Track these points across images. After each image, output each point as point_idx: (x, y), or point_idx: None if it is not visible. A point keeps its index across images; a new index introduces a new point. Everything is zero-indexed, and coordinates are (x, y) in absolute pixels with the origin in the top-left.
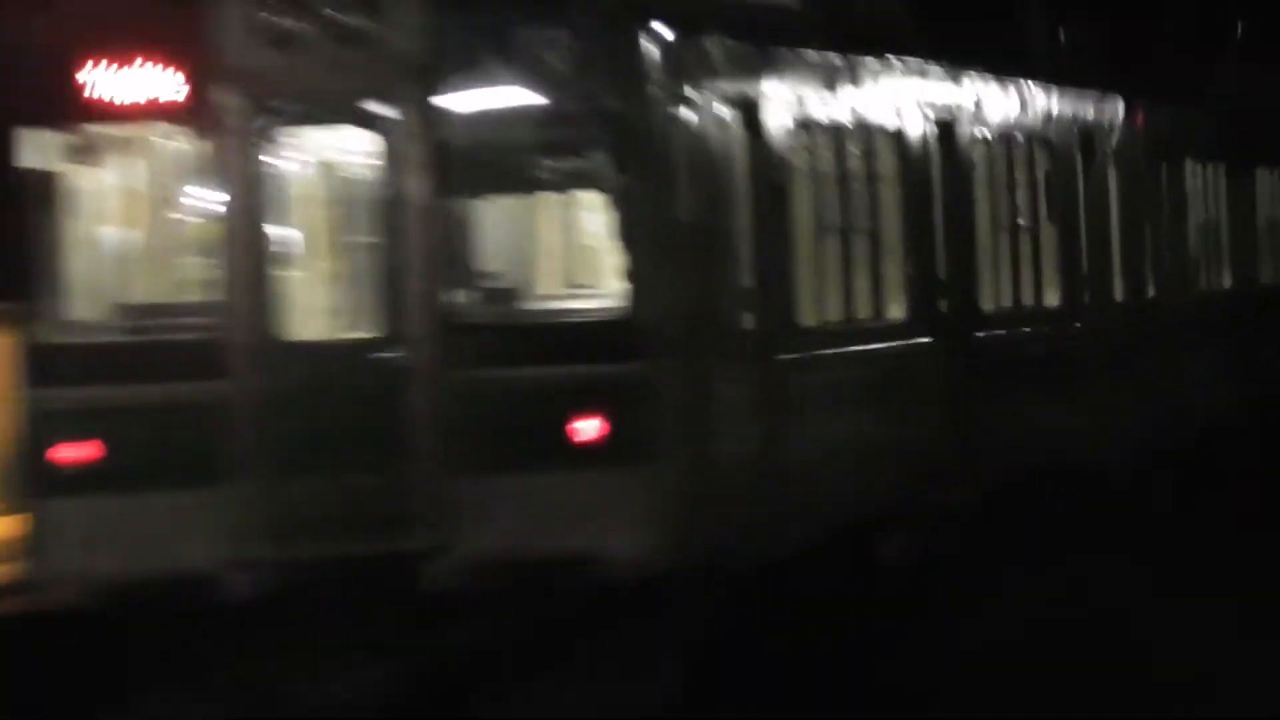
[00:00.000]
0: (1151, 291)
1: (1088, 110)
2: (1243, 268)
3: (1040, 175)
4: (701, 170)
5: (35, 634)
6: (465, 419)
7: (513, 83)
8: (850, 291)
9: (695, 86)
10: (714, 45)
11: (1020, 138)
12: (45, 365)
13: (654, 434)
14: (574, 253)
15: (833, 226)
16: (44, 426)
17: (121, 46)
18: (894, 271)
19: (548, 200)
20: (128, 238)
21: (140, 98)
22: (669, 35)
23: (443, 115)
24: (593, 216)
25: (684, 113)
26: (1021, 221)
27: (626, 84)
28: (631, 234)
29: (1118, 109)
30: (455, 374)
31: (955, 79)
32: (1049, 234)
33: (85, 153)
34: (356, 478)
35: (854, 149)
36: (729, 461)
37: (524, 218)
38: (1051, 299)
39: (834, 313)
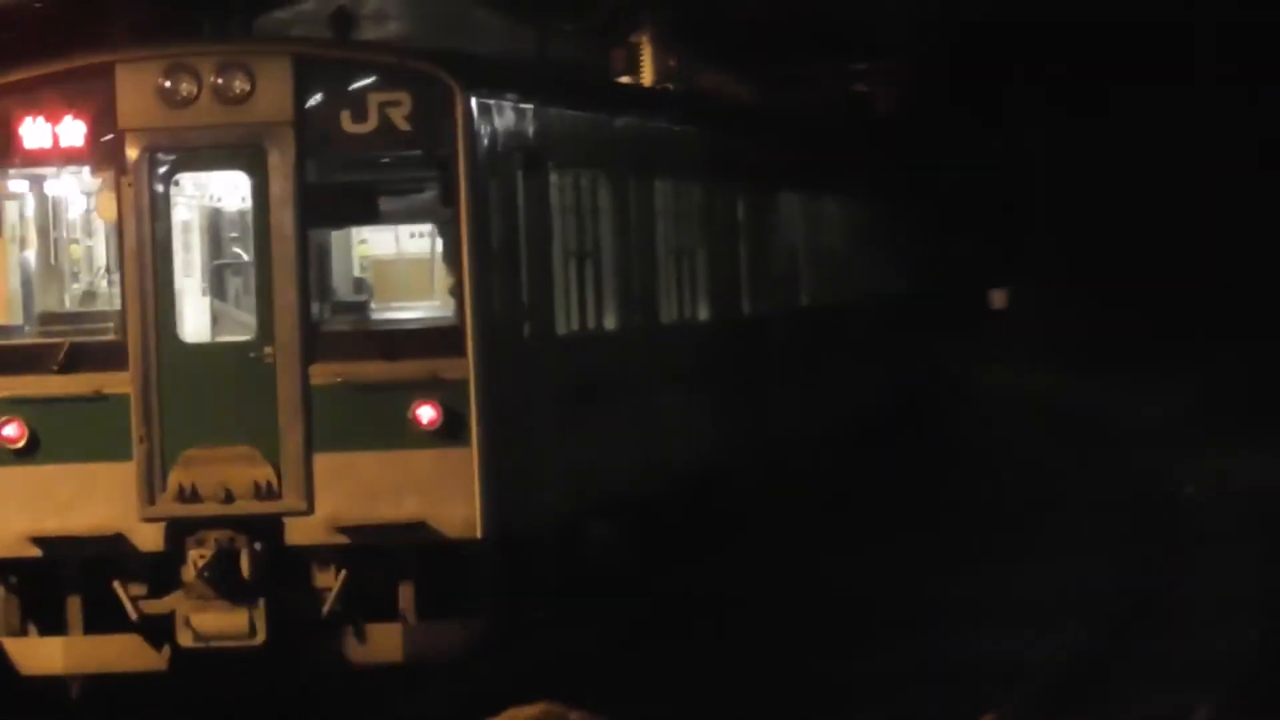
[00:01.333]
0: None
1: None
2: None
3: (696, 209)
4: (503, 206)
5: None
6: (323, 406)
7: (362, 135)
8: (584, 304)
9: (496, 139)
10: (508, 105)
11: (682, 183)
12: None
13: (478, 419)
14: (411, 272)
15: (574, 252)
16: None
17: (40, 105)
18: (609, 288)
19: (391, 229)
20: (42, 259)
21: (58, 143)
22: (479, 100)
23: (305, 161)
24: (426, 242)
25: (490, 159)
26: (681, 245)
27: (449, 137)
28: (455, 257)
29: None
30: (320, 368)
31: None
32: (701, 255)
33: (18, 188)
34: (238, 455)
35: (591, 190)
36: (528, 443)
37: (371, 243)
38: (699, 309)
39: (574, 323)
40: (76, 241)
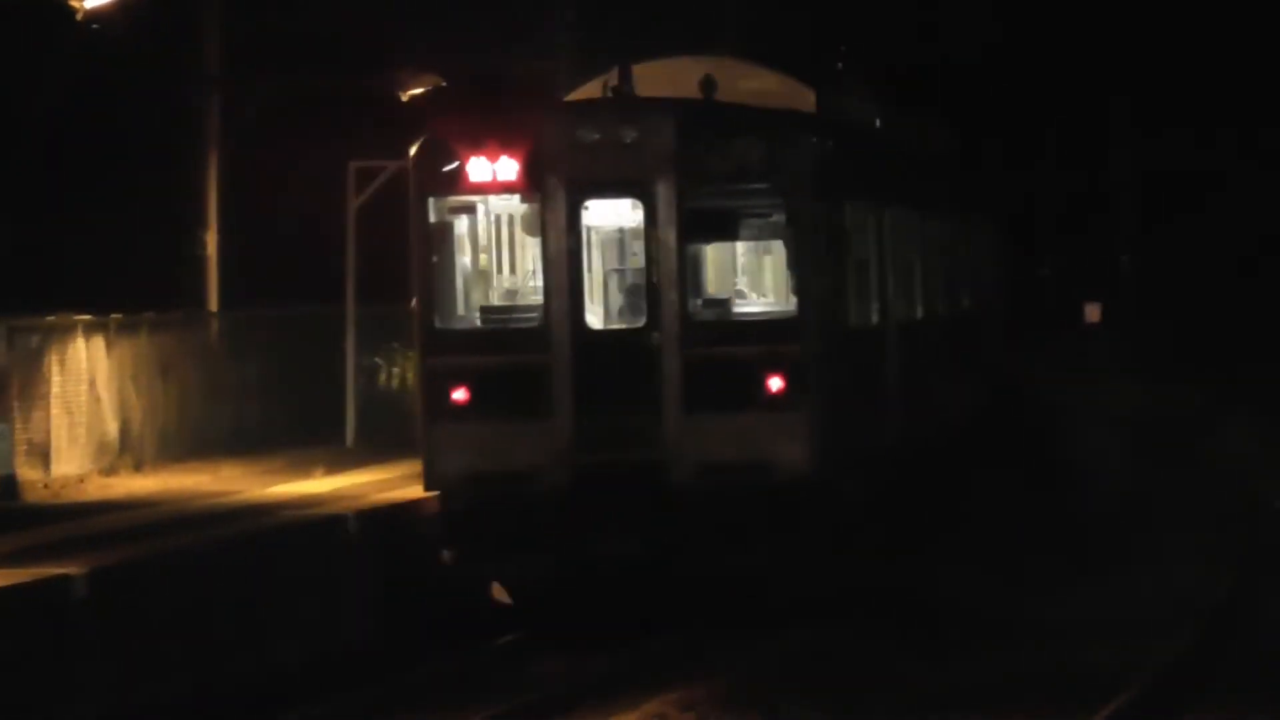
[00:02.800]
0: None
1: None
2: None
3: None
4: (823, 229)
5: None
6: (698, 379)
7: (729, 171)
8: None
9: (819, 178)
10: (826, 152)
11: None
12: (437, 342)
13: (814, 390)
14: (759, 276)
15: (853, 265)
16: (436, 380)
17: (482, 147)
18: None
19: (750, 244)
20: (489, 264)
21: (496, 177)
22: (810, 148)
23: (685, 190)
24: (777, 257)
25: (816, 193)
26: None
27: (792, 176)
28: (793, 263)
29: None
30: (692, 351)
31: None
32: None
33: (464, 211)
34: (630, 415)
35: (877, 223)
36: (836, 407)
37: (732, 255)
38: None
39: (864, 316)
40: (504, 252)
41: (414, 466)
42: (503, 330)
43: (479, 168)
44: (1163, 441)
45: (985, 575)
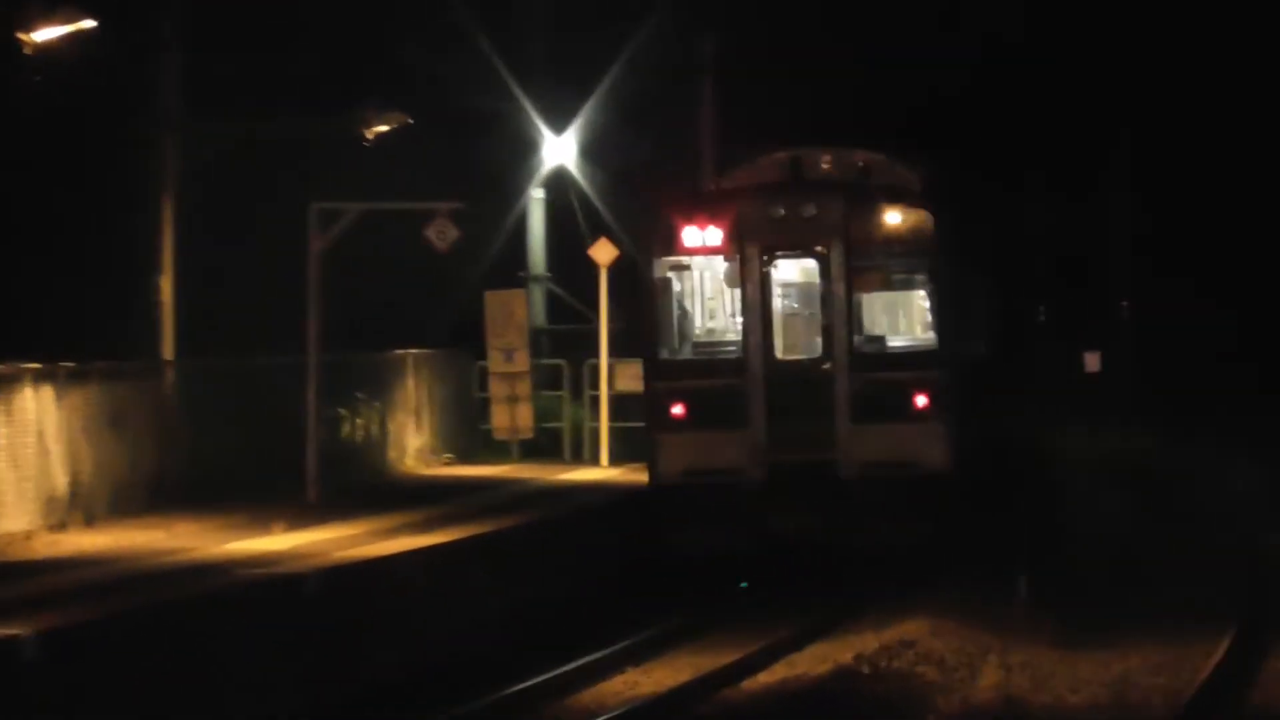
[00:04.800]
0: None
1: None
2: None
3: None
4: (954, 278)
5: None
6: (861, 397)
7: (880, 237)
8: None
9: (952, 238)
10: (956, 216)
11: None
12: (661, 370)
13: (948, 407)
14: (910, 317)
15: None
16: (660, 399)
17: (693, 219)
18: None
19: (896, 293)
20: (698, 308)
21: (705, 243)
22: (945, 216)
23: (849, 252)
24: (918, 302)
25: (949, 249)
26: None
27: (930, 239)
28: (935, 309)
29: None
30: (856, 375)
31: None
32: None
33: (680, 268)
34: (809, 425)
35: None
36: (968, 420)
37: (886, 301)
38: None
39: (972, 350)
40: (711, 299)
41: (382, 523)
42: (709, 360)
43: (690, 234)
44: (1159, 492)
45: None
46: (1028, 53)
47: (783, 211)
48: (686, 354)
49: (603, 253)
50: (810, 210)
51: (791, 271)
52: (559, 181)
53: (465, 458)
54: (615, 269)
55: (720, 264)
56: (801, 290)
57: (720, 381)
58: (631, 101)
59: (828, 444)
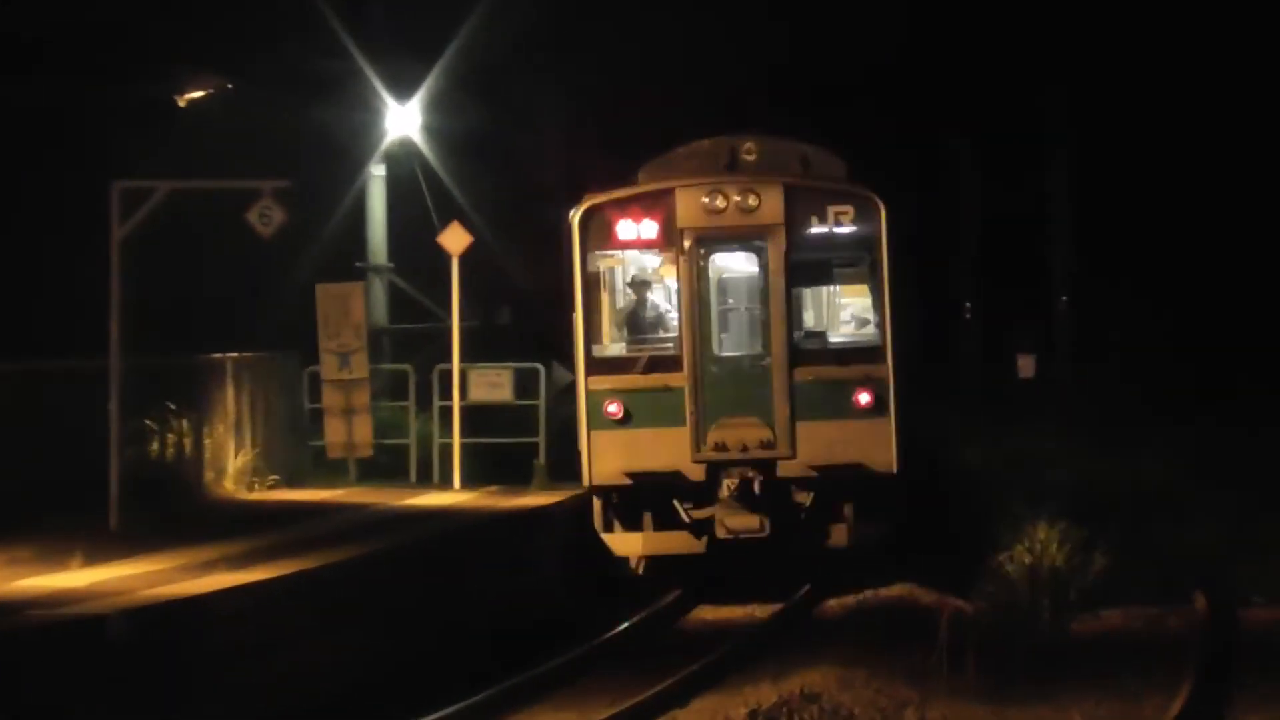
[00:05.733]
0: None
1: None
2: None
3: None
4: (898, 273)
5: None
6: (800, 393)
7: (822, 231)
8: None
9: (894, 233)
10: (898, 211)
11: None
12: (593, 366)
13: (893, 402)
14: (849, 312)
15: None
16: (596, 396)
17: (628, 212)
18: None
19: (839, 286)
20: (630, 302)
21: (640, 235)
22: (890, 212)
23: (790, 245)
24: (859, 296)
25: (892, 245)
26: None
27: (876, 233)
28: (879, 303)
29: None
30: (795, 371)
31: None
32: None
33: (615, 262)
34: (748, 421)
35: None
36: (908, 416)
37: (826, 295)
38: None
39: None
40: (648, 293)
41: (195, 555)
42: (645, 357)
43: (624, 228)
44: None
45: None
46: (957, 33)
47: (721, 203)
48: (620, 350)
49: (454, 240)
50: (751, 201)
51: (730, 264)
52: (405, 158)
53: (294, 479)
54: (466, 259)
55: (656, 257)
56: (741, 284)
57: (655, 378)
58: (485, 65)
59: (769, 443)
